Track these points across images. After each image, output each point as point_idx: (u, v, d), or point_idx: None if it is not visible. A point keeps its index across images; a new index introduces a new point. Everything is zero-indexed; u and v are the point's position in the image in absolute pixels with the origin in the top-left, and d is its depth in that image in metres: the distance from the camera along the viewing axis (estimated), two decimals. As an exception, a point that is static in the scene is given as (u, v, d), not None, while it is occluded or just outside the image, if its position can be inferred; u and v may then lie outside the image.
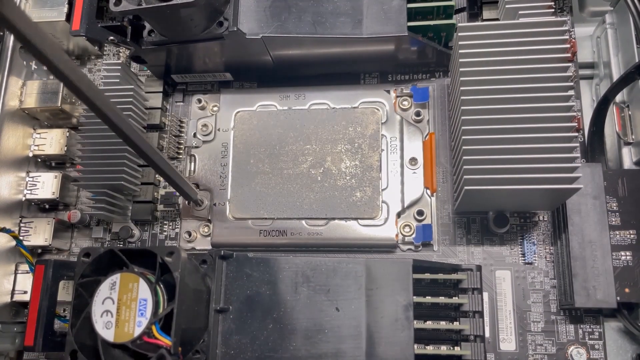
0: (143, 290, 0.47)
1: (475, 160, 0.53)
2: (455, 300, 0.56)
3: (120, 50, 0.77)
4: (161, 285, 0.48)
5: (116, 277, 0.48)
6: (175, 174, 0.56)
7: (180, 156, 0.71)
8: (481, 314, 0.55)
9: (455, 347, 0.56)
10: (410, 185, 0.64)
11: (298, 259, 0.56)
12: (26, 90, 0.70)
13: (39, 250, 0.70)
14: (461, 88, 0.55)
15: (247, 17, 0.61)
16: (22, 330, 0.66)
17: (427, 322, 0.55)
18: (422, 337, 0.55)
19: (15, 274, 0.68)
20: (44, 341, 0.57)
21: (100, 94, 0.41)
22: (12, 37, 0.70)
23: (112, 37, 0.63)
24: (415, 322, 0.52)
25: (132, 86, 0.66)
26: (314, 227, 0.64)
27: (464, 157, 0.54)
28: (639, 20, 0.55)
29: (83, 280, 0.50)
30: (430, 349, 0.55)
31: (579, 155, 0.53)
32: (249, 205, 0.65)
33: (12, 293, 0.67)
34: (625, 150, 0.64)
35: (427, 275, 0.55)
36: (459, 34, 0.56)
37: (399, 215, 0.63)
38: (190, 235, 0.67)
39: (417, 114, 0.66)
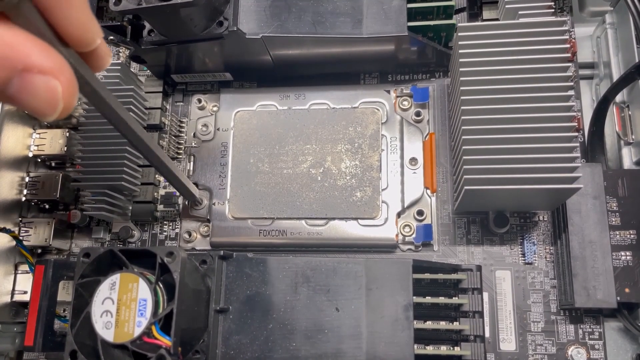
0: (143, 290, 0.47)
1: (475, 160, 0.53)
2: (455, 300, 0.56)
3: (120, 50, 0.77)
4: (161, 286, 0.48)
5: (116, 277, 0.48)
6: (177, 172, 0.56)
7: (180, 156, 0.71)
8: (481, 314, 0.55)
9: (455, 347, 0.56)
10: (410, 185, 0.64)
11: (298, 259, 0.56)
12: (26, 90, 0.70)
13: (39, 250, 0.70)
14: (461, 88, 0.55)
15: (247, 16, 0.61)
16: (22, 330, 0.66)
17: (427, 322, 0.55)
18: (422, 337, 0.55)
19: (15, 274, 0.68)
20: (44, 341, 0.57)
21: (104, 87, 0.41)
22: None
23: (112, 37, 0.63)
24: (415, 322, 0.52)
25: (132, 86, 0.66)
26: (314, 227, 0.64)
27: (464, 157, 0.54)
28: (639, 20, 0.55)
29: (83, 281, 0.50)
30: (430, 349, 0.55)
31: (579, 155, 0.53)
32: (249, 205, 0.65)
33: (12, 293, 0.67)
34: (625, 150, 0.64)
35: (427, 275, 0.55)
36: (459, 34, 0.56)
37: (399, 215, 0.63)
38: (190, 235, 0.67)
39: (417, 114, 0.66)
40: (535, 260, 0.62)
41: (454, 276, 0.56)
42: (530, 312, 0.60)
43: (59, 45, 0.31)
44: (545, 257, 0.62)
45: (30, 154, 0.71)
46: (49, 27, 0.31)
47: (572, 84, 0.54)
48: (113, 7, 0.55)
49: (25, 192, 0.69)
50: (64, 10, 0.30)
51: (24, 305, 0.67)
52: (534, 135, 0.52)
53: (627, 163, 0.63)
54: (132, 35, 0.62)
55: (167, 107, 0.73)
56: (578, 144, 0.62)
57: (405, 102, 0.67)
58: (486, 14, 0.69)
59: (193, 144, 0.70)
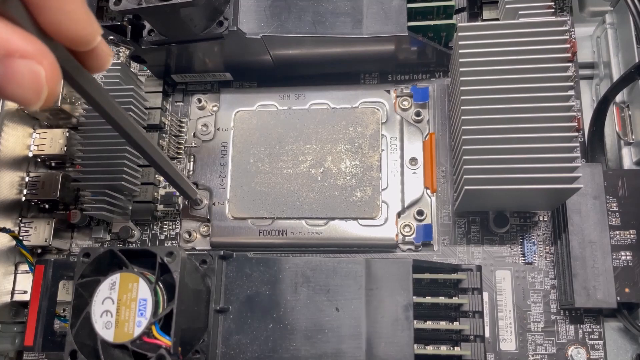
0: (143, 290, 0.47)
1: (475, 160, 0.53)
2: (455, 300, 0.56)
3: (120, 50, 0.77)
4: (161, 285, 0.48)
5: (116, 277, 0.48)
6: (175, 172, 0.56)
7: (180, 156, 0.71)
8: (481, 314, 0.55)
9: (455, 347, 0.56)
10: (410, 185, 0.64)
11: (298, 259, 0.56)
12: (26, 90, 0.69)
13: (39, 250, 0.70)
14: (461, 88, 0.55)
15: (247, 16, 0.61)
16: (22, 330, 0.66)
17: (427, 322, 0.55)
18: (422, 337, 0.55)
19: (15, 274, 0.68)
20: (44, 341, 0.57)
21: (99, 85, 0.41)
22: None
23: (112, 37, 0.63)
24: (415, 322, 0.52)
25: (132, 86, 0.66)
26: (314, 227, 0.64)
27: (464, 157, 0.54)
28: (639, 20, 0.55)
29: (83, 280, 0.50)
30: (430, 349, 0.55)
31: (579, 155, 0.53)
32: (249, 204, 0.65)
33: (12, 293, 0.67)
34: (625, 150, 0.64)
35: (427, 275, 0.55)
36: (459, 34, 0.56)
37: (399, 215, 0.63)
38: (190, 235, 0.67)
39: (417, 114, 0.66)
40: (535, 260, 0.62)
41: (454, 276, 0.56)
42: (530, 312, 0.60)
43: (45, 39, 0.30)
44: (545, 257, 0.62)
45: (30, 154, 0.71)
46: (34, 23, 0.30)
47: (572, 84, 0.54)
48: (113, 7, 0.55)
49: (25, 192, 0.69)
50: (56, 5, 0.29)
51: (24, 305, 0.67)
52: (534, 135, 0.52)
53: (627, 163, 0.63)
54: (132, 35, 0.62)
55: (167, 107, 0.73)
56: (578, 144, 0.62)
57: (405, 102, 0.67)
58: (486, 14, 0.69)
59: (193, 144, 0.70)
